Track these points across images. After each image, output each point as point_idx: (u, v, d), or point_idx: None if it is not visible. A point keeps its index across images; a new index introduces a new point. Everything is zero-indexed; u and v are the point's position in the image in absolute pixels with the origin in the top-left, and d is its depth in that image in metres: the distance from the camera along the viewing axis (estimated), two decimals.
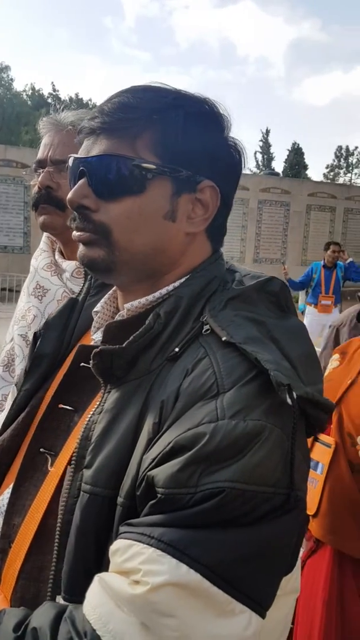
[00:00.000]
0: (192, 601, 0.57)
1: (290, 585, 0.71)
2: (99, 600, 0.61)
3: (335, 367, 1.85)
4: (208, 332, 0.71)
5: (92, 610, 0.60)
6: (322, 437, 1.72)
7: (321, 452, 1.70)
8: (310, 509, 1.66)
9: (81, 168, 0.75)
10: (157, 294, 0.77)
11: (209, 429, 0.61)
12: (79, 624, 0.60)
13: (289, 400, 0.62)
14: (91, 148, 0.75)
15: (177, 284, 0.77)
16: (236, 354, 0.67)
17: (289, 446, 0.64)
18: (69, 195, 0.75)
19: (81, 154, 0.76)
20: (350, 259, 8.22)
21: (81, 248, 0.77)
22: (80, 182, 0.75)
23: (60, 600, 0.70)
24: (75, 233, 0.77)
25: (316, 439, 1.72)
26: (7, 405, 1.07)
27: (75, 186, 0.75)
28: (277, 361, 0.66)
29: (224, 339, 0.68)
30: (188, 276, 0.78)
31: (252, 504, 0.60)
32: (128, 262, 0.75)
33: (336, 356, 1.92)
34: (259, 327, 0.72)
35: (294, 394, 0.63)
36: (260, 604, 0.61)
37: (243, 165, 0.82)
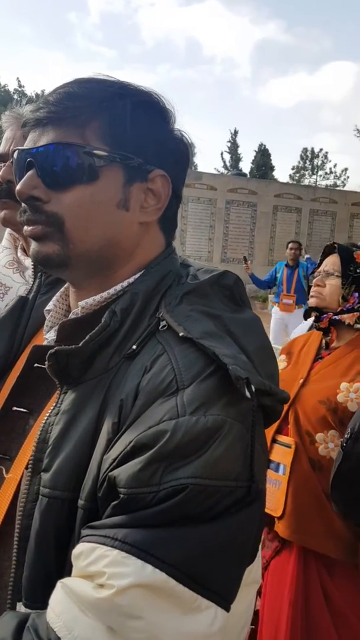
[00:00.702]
0: (158, 601, 0.57)
1: (252, 576, 0.71)
2: (62, 607, 0.59)
3: (284, 368, 1.87)
4: (165, 328, 0.71)
5: (56, 618, 0.58)
6: (281, 438, 1.73)
7: (281, 453, 1.71)
8: (276, 511, 1.67)
9: (29, 159, 0.73)
10: (111, 291, 0.76)
11: (170, 426, 0.61)
12: (43, 632, 0.58)
13: (247, 394, 0.63)
14: (38, 139, 0.74)
15: (131, 279, 0.76)
16: (194, 349, 0.67)
17: (249, 439, 0.64)
18: (18, 187, 0.73)
19: (27, 145, 0.75)
20: (307, 256, 8.32)
21: (34, 245, 0.75)
22: (29, 173, 0.73)
23: (21, 607, 0.68)
24: (26, 228, 0.74)
25: (275, 441, 1.74)
26: None
27: (24, 178, 0.73)
28: (234, 355, 0.66)
29: (181, 334, 0.68)
30: (142, 271, 0.77)
31: (215, 499, 0.60)
32: (83, 254, 0.74)
33: (282, 357, 1.94)
34: (215, 322, 0.72)
35: (252, 388, 0.63)
36: (224, 597, 0.61)
37: (190, 157, 0.82)
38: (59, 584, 0.62)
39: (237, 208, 16.76)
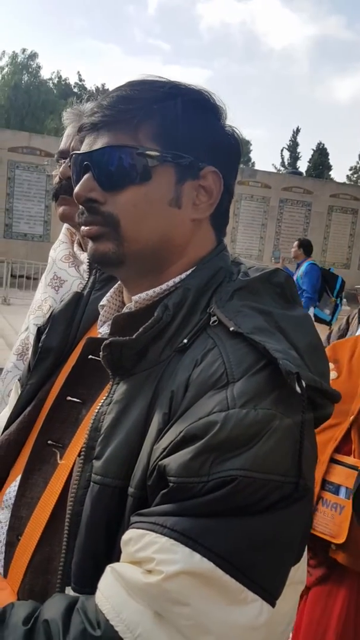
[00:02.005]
0: (205, 590, 0.58)
1: (298, 575, 0.71)
2: (111, 591, 0.61)
3: (335, 379, 1.70)
4: (216, 323, 0.72)
5: (104, 601, 0.61)
6: (343, 458, 1.61)
7: (344, 475, 1.58)
8: (337, 537, 1.55)
9: (85, 163, 0.76)
10: (164, 286, 0.78)
11: (220, 418, 0.62)
12: (92, 614, 0.60)
13: (297, 389, 0.63)
14: (93, 143, 0.76)
15: (183, 275, 0.78)
16: (244, 344, 0.68)
17: (298, 435, 0.65)
18: (76, 190, 0.76)
19: (83, 149, 0.78)
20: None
21: (90, 244, 0.78)
22: (86, 176, 0.76)
23: (70, 591, 0.70)
24: (83, 228, 0.78)
25: (335, 461, 1.61)
26: (11, 400, 1.07)
27: (81, 181, 0.76)
28: (285, 350, 0.67)
29: (231, 329, 0.69)
30: (194, 267, 0.79)
31: (263, 492, 0.61)
32: (137, 252, 0.76)
33: (330, 365, 1.79)
34: (265, 317, 0.72)
35: (303, 383, 0.63)
36: (271, 593, 0.62)
37: (241, 152, 0.84)
38: (108, 568, 0.64)
39: (291, 207, 16.52)
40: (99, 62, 74.15)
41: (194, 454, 0.61)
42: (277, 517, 0.62)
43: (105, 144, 0.75)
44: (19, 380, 1.05)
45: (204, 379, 0.66)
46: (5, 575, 0.79)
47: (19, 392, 1.02)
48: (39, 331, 1.01)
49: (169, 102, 0.75)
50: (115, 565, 0.64)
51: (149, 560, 0.59)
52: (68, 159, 1.34)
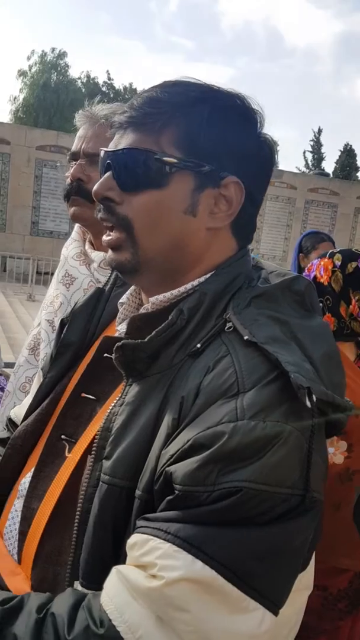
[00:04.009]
0: (206, 597, 0.58)
1: (304, 582, 0.71)
2: (115, 591, 0.62)
3: None
4: (231, 329, 0.71)
5: (108, 601, 0.62)
6: None
7: None
8: None
9: (108, 161, 0.77)
10: (181, 289, 0.77)
11: (229, 429, 0.61)
12: (96, 612, 0.61)
13: (308, 403, 0.62)
14: (119, 142, 0.77)
15: (202, 279, 0.77)
16: (258, 354, 0.67)
17: (307, 448, 0.64)
18: (95, 187, 0.77)
19: (110, 147, 0.78)
20: None
21: (110, 253, 0.79)
22: (106, 174, 0.76)
23: (78, 585, 0.71)
24: (104, 237, 0.78)
25: None
26: (33, 387, 1.09)
27: (102, 179, 0.77)
28: (298, 363, 0.66)
29: (245, 337, 0.68)
30: (213, 272, 0.78)
31: (269, 504, 0.61)
32: (151, 260, 0.76)
33: None
34: (282, 327, 0.71)
35: (314, 397, 0.63)
36: (273, 602, 0.61)
37: (274, 163, 0.81)
38: (113, 569, 0.65)
39: (317, 208, 16.38)
40: (124, 59, 74.20)
41: (201, 463, 0.61)
42: (281, 529, 0.61)
43: (127, 145, 0.75)
44: (42, 369, 1.06)
45: (215, 387, 0.66)
46: (19, 562, 0.81)
47: (41, 380, 1.04)
48: (62, 322, 1.02)
49: (197, 107, 0.74)
50: (120, 567, 0.65)
51: (152, 565, 0.60)
52: (79, 161, 1.36)
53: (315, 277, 1.52)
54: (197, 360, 0.71)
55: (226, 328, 0.72)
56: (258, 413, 0.62)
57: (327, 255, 1.52)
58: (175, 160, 0.73)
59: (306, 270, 1.58)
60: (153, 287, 0.81)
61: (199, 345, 0.72)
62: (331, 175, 25.20)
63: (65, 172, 1.42)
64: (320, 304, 1.48)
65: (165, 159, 0.73)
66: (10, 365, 3.13)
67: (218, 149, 0.75)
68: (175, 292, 0.77)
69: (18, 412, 1.12)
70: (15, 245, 14.03)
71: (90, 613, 0.61)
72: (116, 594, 0.62)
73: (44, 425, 0.91)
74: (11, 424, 1.12)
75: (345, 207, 16.62)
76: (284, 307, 0.75)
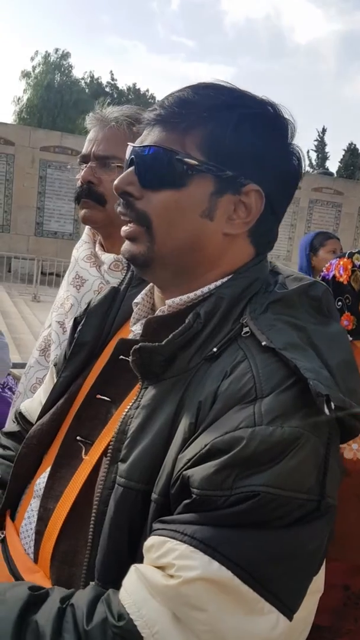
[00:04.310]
0: (222, 597, 0.59)
1: (316, 585, 0.71)
2: (134, 588, 0.63)
3: None
4: (247, 334, 0.71)
5: (127, 596, 0.63)
6: None
7: None
8: None
9: (132, 156, 0.78)
10: (198, 292, 0.77)
11: (247, 434, 0.62)
12: (114, 607, 0.62)
13: (326, 411, 0.62)
14: (145, 138, 0.77)
15: (218, 283, 0.77)
16: (275, 359, 0.68)
17: (323, 454, 0.65)
18: (116, 181, 0.78)
19: (137, 143, 0.78)
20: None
21: (125, 243, 0.79)
22: (129, 169, 0.77)
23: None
24: (123, 228, 0.79)
25: None
26: (46, 382, 1.10)
27: (124, 173, 0.78)
28: (316, 369, 0.66)
29: (263, 343, 0.69)
30: (230, 276, 0.78)
31: (285, 509, 0.61)
32: (164, 257, 0.77)
33: None
34: (299, 333, 0.71)
35: (332, 404, 0.63)
36: (288, 606, 0.62)
37: (301, 175, 0.81)
38: (132, 567, 0.66)
39: (321, 208, 16.36)
40: (125, 59, 74.14)
41: (218, 467, 0.62)
42: (297, 533, 0.62)
43: (152, 143, 0.75)
44: (54, 365, 1.07)
45: (233, 392, 0.66)
46: (35, 562, 0.82)
47: (54, 377, 1.04)
48: (76, 321, 1.02)
49: (226, 112, 0.74)
50: (139, 565, 0.66)
51: (170, 566, 0.61)
52: (90, 163, 1.36)
53: (334, 277, 1.54)
54: (214, 364, 0.71)
55: (243, 333, 0.72)
56: (276, 418, 0.63)
57: (347, 255, 1.54)
58: (196, 163, 0.73)
59: (324, 270, 1.60)
60: (164, 285, 0.81)
61: (215, 350, 0.72)
62: (335, 175, 25.15)
63: (75, 175, 1.42)
64: (340, 303, 1.51)
65: (187, 160, 0.73)
66: (17, 365, 3.14)
67: (242, 156, 0.75)
68: (191, 295, 0.77)
69: (28, 406, 1.13)
70: (19, 246, 14.06)
71: (109, 607, 0.63)
72: (134, 591, 0.63)
73: (59, 424, 0.91)
74: (21, 417, 1.13)
75: (349, 207, 16.59)
76: (301, 312, 0.75)
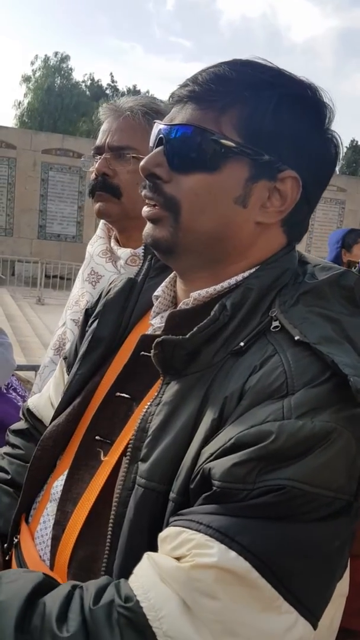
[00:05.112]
0: (237, 589, 0.56)
1: (339, 589, 0.68)
2: (144, 572, 0.60)
3: None
4: (278, 328, 0.68)
5: (135, 579, 0.60)
6: None
7: None
8: None
9: (160, 136, 0.72)
10: (225, 284, 0.73)
11: (274, 427, 0.59)
12: (123, 590, 0.60)
13: None
14: (175, 116, 0.72)
15: (246, 274, 0.73)
16: (308, 353, 0.64)
17: (357, 451, 0.61)
18: (142, 162, 0.72)
19: (165, 121, 0.73)
20: None
21: (147, 226, 0.75)
22: (157, 149, 0.72)
23: None
24: (145, 209, 0.74)
25: None
26: (56, 375, 1.07)
27: (151, 153, 0.72)
28: (355, 365, 0.62)
29: (297, 338, 0.65)
30: (258, 267, 0.74)
31: (312, 506, 0.58)
32: (190, 244, 0.72)
33: None
34: (333, 326, 0.68)
35: None
36: (309, 609, 0.58)
37: (337, 162, 0.76)
38: (145, 555, 0.63)
39: (324, 205, 16.31)
40: (124, 61, 74.39)
41: (242, 460, 0.59)
42: (322, 530, 0.59)
43: (184, 121, 0.70)
44: (64, 359, 1.04)
45: (262, 388, 0.63)
46: (51, 569, 0.79)
47: (64, 371, 1.01)
48: (87, 313, 0.98)
49: (265, 92, 0.69)
50: (152, 553, 0.63)
51: (185, 556, 0.58)
52: (104, 155, 1.33)
53: None
54: (241, 359, 0.67)
55: (272, 327, 0.68)
56: (307, 413, 0.59)
57: None
58: (233, 145, 0.69)
59: None
60: (189, 274, 0.77)
61: (242, 344, 0.68)
62: (338, 172, 25.08)
63: (89, 167, 1.39)
64: None
65: (223, 141, 0.68)
66: (22, 367, 3.15)
67: (280, 140, 0.70)
68: (218, 287, 0.73)
69: (36, 402, 1.09)
70: (23, 249, 14.07)
71: (118, 589, 0.60)
72: (144, 575, 0.60)
73: (76, 425, 0.88)
74: (29, 414, 1.09)
75: (352, 204, 16.54)
76: (334, 304, 0.71)
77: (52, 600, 0.61)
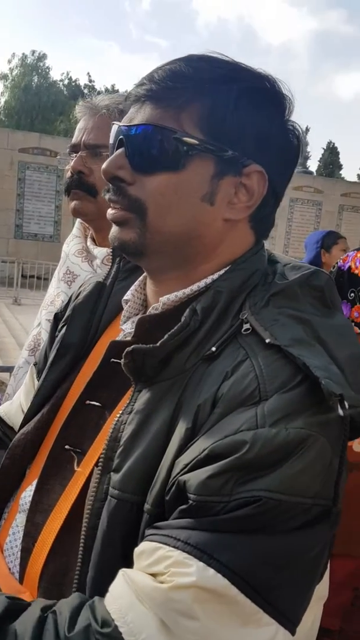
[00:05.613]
0: (217, 606, 0.55)
1: (319, 592, 0.67)
2: (120, 592, 0.58)
3: None
4: (248, 331, 0.66)
5: (112, 600, 0.58)
6: None
7: None
8: None
9: (120, 137, 0.70)
10: (194, 287, 0.72)
11: (248, 437, 0.57)
12: (99, 612, 0.58)
13: (340, 412, 0.58)
14: (134, 116, 0.70)
15: (215, 276, 0.72)
16: (279, 356, 0.63)
17: (333, 456, 0.61)
18: (104, 165, 0.71)
19: (124, 122, 0.72)
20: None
21: (113, 229, 0.73)
22: (118, 152, 0.70)
23: None
24: (109, 211, 0.72)
25: None
26: (27, 382, 1.05)
27: (112, 156, 0.71)
28: (326, 367, 0.61)
29: (267, 340, 0.64)
30: (228, 268, 0.72)
31: (289, 515, 0.57)
32: (159, 245, 0.71)
33: None
34: (304, 327, 0.67)
35: (346, 404, 0.58)
36: (289, 618, 0.57)
37: (300, 153, 0.75)
38: (120, 572, 0.61)
39: (301, 206, 16.45)
40: (101, 60, 74.21)
41: (217, 472, 0.57)
42: (301, 539, 0.58)
43: (143, 121, 0.69)
44: (34, 365, 1.02)
45: (234, 395, 0.62)
46: (21, 581, 0.76)
47: (35, 378, 0.99)
48: (56, 317, 0.96)
49: (224, 86, 0.68)
50: (127, 570, 0.61)
51: (162, 574, 0.57)
52: (80, 153, 1.32)
53: (350, 268, 1.57)
54: (213, 364, 0.66)
55: (243, 330, 0.67)
56: (280, 420, 0.58)
57: None
58: (196, 142, 0.67)
59: (341, 261, 1.63)
60: (160, 275, 0.76)
61: (214, 349, 0.66)
62: (314, 173, 25.33)
63: (65, 166, 1.37)
64: (352, 294, 1.53)
65: (186, 139, 0.67)
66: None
67: (243, 134, 0.69)
68: (187, 290, 0.72)
69: (7, 409, 1.07)
70: None
71: (94, 613, 0.58)
72: (121, 595, 0.58)
73: (45, 433, 0.85)
74: (0, 421, 1.06)
75: (329, 205, 16.71)
76: (304, 304, 0.70)
77: (24, 627, 0.58)
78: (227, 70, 0.69)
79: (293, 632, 0.58)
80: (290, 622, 0.58)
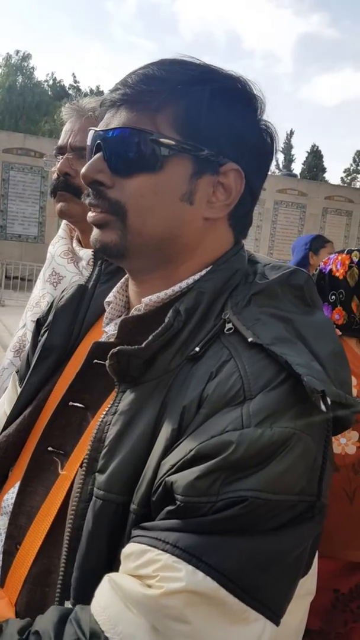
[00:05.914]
0: (206, 609, 0.55)
1: (306, 587, 0.68)
2: (108, 601, 0.58)
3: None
4: (231, 331, 0.67)
5: (100, 611, 0.58)
6: None
7: None
8: None
9: (97, 142, 0.72)
10: (176, 288, 0.73)
11: (234, 437, 0.58)
12: (85, 625, 0.57)
13: (323, 407, 0.59)
14: (110, 121, 0.72)
15: (197, 276, 0.73)
16: (263, 356, 0.64)
17: (317, 452, 0.62)
18: (83, 169, 0.72)
19: (100, 127, 0.73)
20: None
21: (94, 232, 0.74)
22: (96, 156, 0.71)
23: (68, 605, 0.67)
24: (90, 214, 0.73)
25: None
26: (8, 391, 1.04)
27: (90, 160, 0.72)
28: (308, 364, 0.62)
29: (250, 339, 0.65)
30: (209, 268, 0.73)
31: (275, 513, 0.58)
32: (141, 246, 0.71)
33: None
34: (286, 325, 0.68)
35: (328, 400, 0.59)
36: (275, 612, 0.58)
37: (274, 152, 0.77)
38: (105, 577, 0.61)
39: (286, 209, 16.55)
40: (85, 60, 74.10)
41: (204, 472, 0.58)
42: (287, 536, 0.59)
43: (120, 125, 0.70)
44: (16, 372, 1.02)
45: (220, 395, 0.62)
46: (2, 584, 0.75)
47: (17, 385, 0.99)
48: (39, 323, 0.96)
49: (197, 87, 0.69)
50: (113, 575, 0.61)
51: (151, 577, 0.57)
52: (66, 155, 1.33)
53: (330, 271, 1.59)
54: (197, 365, 0.67)
55: (226, 330, 0.68)
56: (265, 419, 0.59)
57: (345, 252, 1.59)
58: (172, 142, 0.68)
59: (322, 263, 1.64)
60: (142, 275, 0.76)
61: (197, 349, 0.67)
62: (298, 176, 25.51)
63: (51, 167, 1.39)
64: (333, 297, 1.56)
65: (162, 140, 0.68)
66: None
67: (218, 134, 0.70)
68: (169, 291, 0.73)
69: None
70: None
71: (80, 626, 0.57)
72: (109, 604, 0.57)
73: (27, 435, 0.85)
74: None
75: (313, 208, 16.83)
76: (285, 303, 0.72)
77: None
78: (199, 72, 0.71)
79: (277, 623, 0.59)
80: (275, 615, 0.59)
